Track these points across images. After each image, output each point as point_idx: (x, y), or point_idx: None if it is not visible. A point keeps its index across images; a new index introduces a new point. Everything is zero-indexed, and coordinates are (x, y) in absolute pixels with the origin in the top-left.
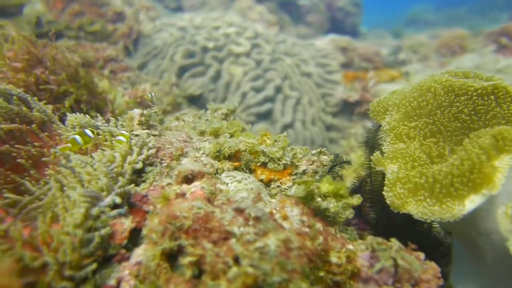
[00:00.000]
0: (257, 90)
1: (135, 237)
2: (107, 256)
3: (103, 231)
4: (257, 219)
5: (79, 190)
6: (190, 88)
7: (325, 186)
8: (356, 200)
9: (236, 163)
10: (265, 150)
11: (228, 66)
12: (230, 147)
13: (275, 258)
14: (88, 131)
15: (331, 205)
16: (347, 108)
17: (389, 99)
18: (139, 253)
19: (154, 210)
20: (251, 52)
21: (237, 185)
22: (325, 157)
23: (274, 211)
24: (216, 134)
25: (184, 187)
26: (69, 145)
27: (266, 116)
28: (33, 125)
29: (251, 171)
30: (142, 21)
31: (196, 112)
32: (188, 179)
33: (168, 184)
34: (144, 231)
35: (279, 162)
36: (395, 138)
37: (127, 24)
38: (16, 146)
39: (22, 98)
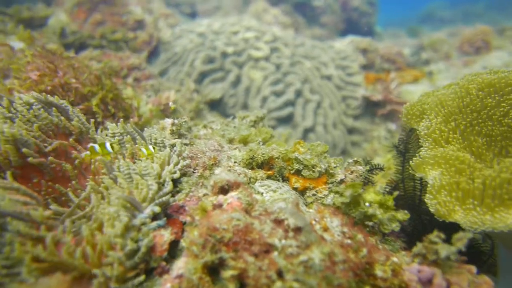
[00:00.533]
0: (278, 94)
1: (172, 248)
2: (148, 268)
3: (146, 242)
4: (297, 230)
5: (120, 201)
6: (210, 94)
7: (371, 195)
8: (402, 215)
9: (269, 172)
10: (299, 157)
11: (248, 70)
12: (263, 153)
13: (321, 273)
14: (108, 146)
15: (378, 212)
16: (369, 110)
17: (423, 101)
18: (180, 266)
19: (193, 222)
20: (270, 56)
21: (272, 195)
22: (361, 167)
23: (313, 222)
24: (245, 141)
25: (221, 197)
26: (88, 152)
27: (287, 120)
28: (71, 139)
29: (284, 179)
30: (162, 28)
31: (224, 119)
32: (224, 190)
33: (205, 194)
34: (184, 243)
35: (313, 169)
36: (434, 143)
37: (147, 31)
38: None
39: (62, 108)
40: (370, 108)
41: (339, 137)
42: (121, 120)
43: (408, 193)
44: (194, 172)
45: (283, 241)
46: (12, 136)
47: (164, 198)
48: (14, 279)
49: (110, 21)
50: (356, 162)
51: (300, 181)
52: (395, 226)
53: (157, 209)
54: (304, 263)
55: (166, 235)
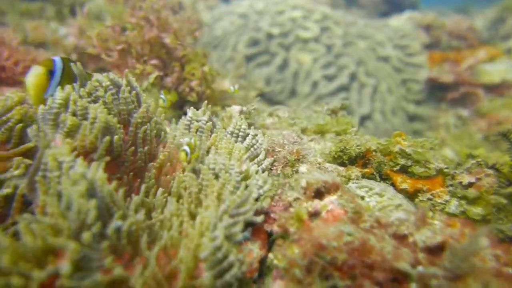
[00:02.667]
0: (329, 78)
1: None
2: None
3: (236, 261)
4: (429, 251)
5: (213, 209)
6: (257, 83)
7: None
8: None
9: (366, 170)
10: (407, 150)
11: (295, 53)
12: (358, 146)
13: None
14: (188, 149)
15: None
16: (434, 95)
17: None
18: None
19: (286, 234)
20: (320, 36)
21: (379, 200)
22: (490, 170)
23: (451, 240)
24: (321, 131)
25: (317, 203)
26: (188, 150)
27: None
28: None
29: (383, 178)
30: (200, 10)
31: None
32: (319, 193)
33: (296, 199)
34: (276, 261)
35: (428, 166)
36: None
37: (186, 15)
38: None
39: (136, 92)
40: (436, 92)
41: (398, 125)
42: (205, 103)
43: None
44: (271, 169)
45: (420, 268)
46: (105, 123)
47: (253, 206)
48: None
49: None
50: (479, 164)
51: (408, 181)
52: None
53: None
54: None
55: (255, 251)
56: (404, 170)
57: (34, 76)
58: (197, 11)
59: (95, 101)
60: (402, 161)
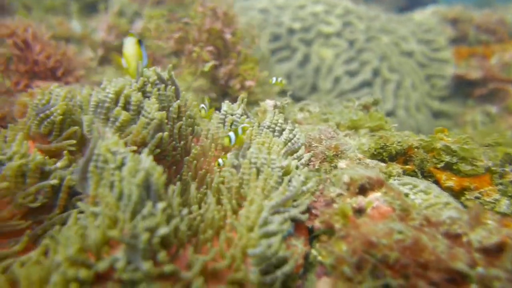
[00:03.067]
0: (352, 74)
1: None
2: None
3: (281, 255)
4: (486, 252)
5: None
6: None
7: None
8: None
9: (408, 166)
10: (453, 147)
11: (317, 48)
12: (399, 142)
13: None
14: (233, 135)
15: None
16: (460, 91)
17: None
18: None
19: (330, 230)
20: (342, 31)
21: (425, 197)
22: None
23: (509, 240)
24: (355, 127)
25: (361, 199)
26: (233, 137)
27: None
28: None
29: (425, 175)
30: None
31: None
32: (363, 189)
33: (339, 195)
34: (320, 257)
35: (475, 163)
36: None
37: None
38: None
39: (177, 88)
40: (462, 87)
41: (423, 122)
42: (240, 97)
43: None
44: (308, 165)
45: (480, 269)
46: (160, 120)
47: (299, 204)
48: None
49: (169, 0)
50: None
51: (454, 178)
52: None
53: (294, 211)
54: None
55: (299, 246)
56: (448, 167)
57: (133, 45)
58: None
59: (144, 95)
60: (446, 158)
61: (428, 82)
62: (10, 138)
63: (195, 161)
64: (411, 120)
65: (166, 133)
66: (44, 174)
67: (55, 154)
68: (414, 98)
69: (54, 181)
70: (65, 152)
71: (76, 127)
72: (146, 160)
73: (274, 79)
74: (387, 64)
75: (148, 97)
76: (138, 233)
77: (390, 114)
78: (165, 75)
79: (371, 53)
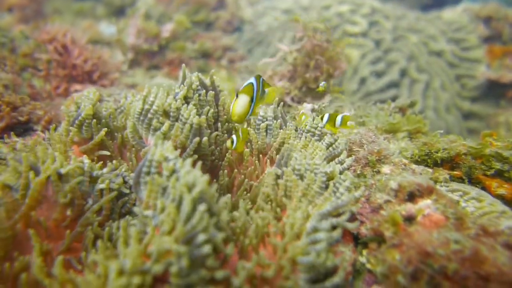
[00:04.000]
0: (378, 74)
1: None
2: None
3: (330, 264)
4: None
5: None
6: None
7: None
8: None
9: (455, 172)
10: (505, 154)
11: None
12: (446, 149)
13: None
14: (234, 138)
15: None
16: (492, 91)
17: None
18: None
19: (379, 238)
20: (368, 31)
21: (478, 205)
22: None
23: None
24: (393, 130)
25: (410, 207)
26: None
27: None
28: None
29: (473, 182)
30: (243, 6)
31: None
32: (412, 196)
33: (387, 201)
34: (372, 267)
35: None
36: None
37: (229, 11)
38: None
39: (217, 93)
40: (495, 88)
41: (453, 123)
42: (276, 100)
43: None
44: (348, 169)
45: None
46: (198, 124)
47: (342, 208)
48: None
49: (192, 1)
50: None
51: (505, 186)
52: None
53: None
54: None
55: (348, 253)
56: (498, 174)
57: (242, 107)
58: (240, 7)
59: (187, 102)
60: (498, 165)
61: (458, 82)
62: (55, 147)
63: (225, 168)
64: (441, 121)
65: (205, 139)
66: (92, 179)
67: (100, 159)
68: (444, 98)
69: (102, 186)
70: (115, 161)
71: (105, 129)
72: (199, 179)
73: (322, 84)
74: (415, 64)
75: (189, 102)
76: (194, 238)
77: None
78: (207, 81)
79: (399, 53)
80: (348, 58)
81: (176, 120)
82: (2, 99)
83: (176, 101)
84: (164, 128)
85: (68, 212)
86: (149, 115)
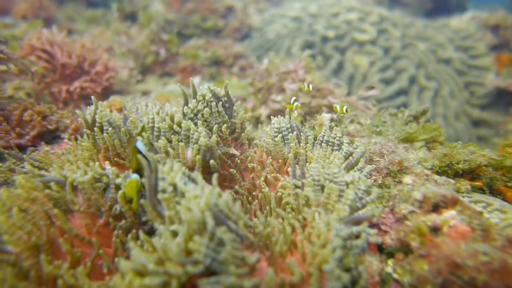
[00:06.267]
0: (387, 82)
1: None
2: None
3: (363, 273)
4: None
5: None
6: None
7: None
8: None
9: (477, 183)
10: None
11: (351, 56)
12: (466, 161)
13: None
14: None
15: None
16: (501, 99)
17: None
18: None
19: (405, 248)
20: (377, 39)
21: (502, 217)
22: None
23: None
24: (410, 140)
25: (435, 218)
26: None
27: None
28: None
29: (494, 193)
30: (251, 14)
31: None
32: (436, 207)
33: (411, 212)
34: (399, 277)
35: None
36: None
37: (238, 18)
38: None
39: (230, 103)
40: (503, 96)
41: (462, 131)
42: (287, 111)
43: None
44: (369, 178)
45: None
46: (206, 146)
47: (364, 215)
48: None
49: (202, 9)
50: None
51: None
52: None
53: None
54: None
55: (375, 263)
56: None
57: (131, 187)
58: (248, 14)
59: (196, 115)
60: None
61: (466, 89)
62: (84, 155)
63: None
64: (450, 129)
65: (212, 161)
66: (117, 186)
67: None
68: (453, 106)
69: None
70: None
71: (105, 135)
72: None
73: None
74: (424, 71)
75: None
76: (219, 247)
77: (427, 122)
78: (221, 91)
79: (407, 60)
80: (357, 65)
81: (187, 139)
82: (33, 108)
83: (185, 117)
84: (171, 151)
85: (102, 220)
86: (159, 133)
